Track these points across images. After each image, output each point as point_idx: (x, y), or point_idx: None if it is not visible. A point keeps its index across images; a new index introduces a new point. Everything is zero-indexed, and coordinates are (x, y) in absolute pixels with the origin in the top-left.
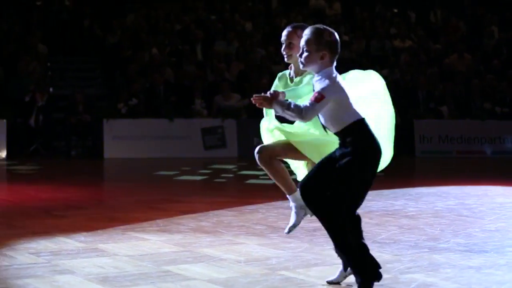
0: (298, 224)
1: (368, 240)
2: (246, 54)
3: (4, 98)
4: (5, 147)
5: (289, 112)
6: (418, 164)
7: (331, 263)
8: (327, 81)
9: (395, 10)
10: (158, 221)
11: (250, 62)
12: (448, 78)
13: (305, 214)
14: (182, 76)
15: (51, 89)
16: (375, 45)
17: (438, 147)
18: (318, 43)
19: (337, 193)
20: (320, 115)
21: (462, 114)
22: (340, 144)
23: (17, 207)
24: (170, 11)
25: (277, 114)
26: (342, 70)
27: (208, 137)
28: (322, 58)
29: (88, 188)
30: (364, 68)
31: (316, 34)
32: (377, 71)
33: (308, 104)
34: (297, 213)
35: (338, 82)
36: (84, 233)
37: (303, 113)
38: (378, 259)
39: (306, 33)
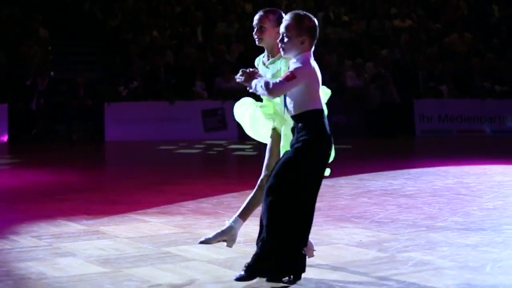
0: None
1: (366, 220)
2: (246, 36)
3: (6, 82)
4: (7, 131)
5: (260, 86)
6: (418, 144)
7: (328, 242)
8: (302, 64)
9: None
10: (158, 203)
11: (250, 43)
12: (448, 57)
13: (225, 241)
14: (183, 58)
15: (52, 73)
16: (375, 25)
17: (438, 126)
18: (299, 28)
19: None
20: (285, 95)
21: (462, 93)
22: (292, 129)
23: (19, 191)
24: None
25: (250, 90)
26: (343, 50)
27: (209, 119)
28: (302, 43)
29: (89, 172)
30: (364, 48)
31: (296, 19)
32: (377, 51)
33: (277, 81)
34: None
35: (313, 67)
36: (85, 216)
37: (271, 88)
38: (375, 238)
39: (287, 18)
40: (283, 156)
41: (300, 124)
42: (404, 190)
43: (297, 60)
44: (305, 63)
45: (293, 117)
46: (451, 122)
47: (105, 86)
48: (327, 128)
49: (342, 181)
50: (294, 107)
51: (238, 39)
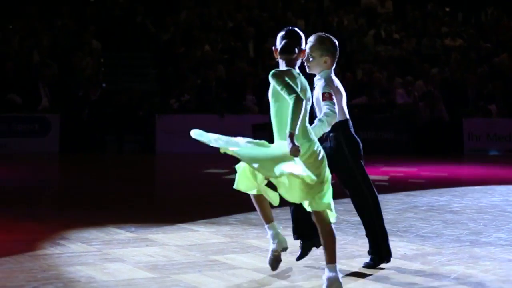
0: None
1: (411, 234)
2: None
3: (58, 93)
4: (58, 141)
5: (324, 125)
6: (466, 162)
7: None
8: (325, 81)
9: (447, 9)
10: (207, 214)
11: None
12: (497, 77)
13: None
14: (234, 72)
15: (103, 85)
16: (426, 43)
17: (486, 145)
18: (321, 49)
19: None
20: (316, 109)
21: (511, 113)
22: (326, 137)
23: (69, 198)
24: (223, 8)
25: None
26: (393, 68)
27: (259, 133)
28: (325, 62)
29: (139, 182)
30: (414, 66)
31: (319, 41)
32: (427, 69)
33: (329, 105)
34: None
35: (335, 82)
36: (135, 225)
37: (331, 113)
38: (419, 252)
39: (311, 40)
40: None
41: (332, 134)
42: (450, 207)
43: (320, 77)
44: (328, 80)
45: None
46: (499, 141)
47: (156, 99)
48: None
49: (390, 196)
50: None
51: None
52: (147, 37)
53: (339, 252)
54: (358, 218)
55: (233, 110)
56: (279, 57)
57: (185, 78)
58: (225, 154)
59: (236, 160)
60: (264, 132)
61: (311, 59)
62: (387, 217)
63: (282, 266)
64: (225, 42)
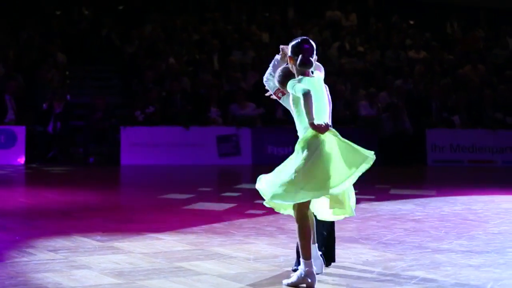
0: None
1: (373, 241)
2: (262, 64)
3: (24, 105)
4: (24, 154)
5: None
6: (429, 173)
7: (336, 261)
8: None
9: (411, 22)
10: (172, 223)
11: (266, 72)
12: (461, 88)
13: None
14: (199, 85)
15: (68, 97)
16: (390, 55)
17: (449, 156)
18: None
19: None
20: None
21: (474, 124)
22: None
23: (36, 208)
24: (187, 21)
25: None
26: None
27: (223, 145)
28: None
29: (104, 193)
30: (378, 78)
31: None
32: (391, 81)
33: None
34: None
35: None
36: (101, 233)
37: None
38: (381, 258)
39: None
40: None
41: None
42: (412, 215)
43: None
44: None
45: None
46: (463, 152)
47: (121, 111)
48: None
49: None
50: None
51: (253, 67)
52: (112, 50)
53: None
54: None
55: (198, 122)
56: (295, 67)
57: (150, 90)
58: (186, 165)
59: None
60: (228, 144)
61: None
62: (349, 225)
63: (246, 271)
64: (190, 55)
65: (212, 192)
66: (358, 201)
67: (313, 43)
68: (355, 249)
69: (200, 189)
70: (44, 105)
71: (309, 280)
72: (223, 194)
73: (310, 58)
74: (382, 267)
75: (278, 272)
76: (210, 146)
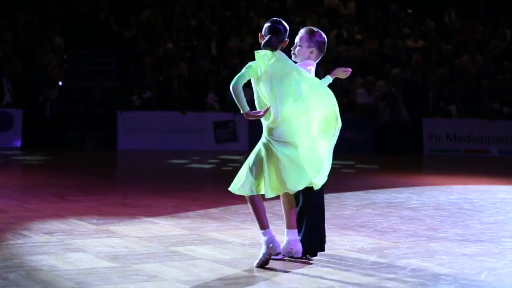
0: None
1: (368, 229)
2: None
3: (21, 88)
4: (20, 137)
5: None
6: (425, 162)
7: (331, 248)
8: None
9: (409, 11)
10: (167, 207)
11: None
12: (458, 78)
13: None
14: (196, 70)
15: (60, 83)
16: (388, 44)
17: (446, 145)
18: (309, 40)
19: None
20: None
21: (471, 114)
22: None
23: (32, 192)
24: (186, 6)
25: None
26: (354, 68)
27: (220, 131)
28: (311, 53)
29: (101, 176)
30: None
31: (309, 33)
32: (388, 69)
33: None
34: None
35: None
36: (96, 217)
37: None
38: (376, 245)
39: (301, 32)
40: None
41: None
42: (408, 204)
43: (299, 65)
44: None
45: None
46: (459, 141)
47: (118, 96)
48: None
49: (348, 193)
50: None
51: (251, 54)
52: (110, 34)
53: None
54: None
55: (195, 108)
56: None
57: (147, 75)
58: (183, 151)
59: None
60: (224, 129)
61: (297, 48)
62: (345, 212)
63: (241, 257)
64: (188, 40)
65: (208, 177)
66: (355, 189)
67: (286, 26)
68: (350, 236)
69: (196, 174)
70: (40, 97)
71: (272, 245)
72: (220, 179)
73: (273, 41)
74: (377, 254)
75: (272, 258)
76: (207, 132)
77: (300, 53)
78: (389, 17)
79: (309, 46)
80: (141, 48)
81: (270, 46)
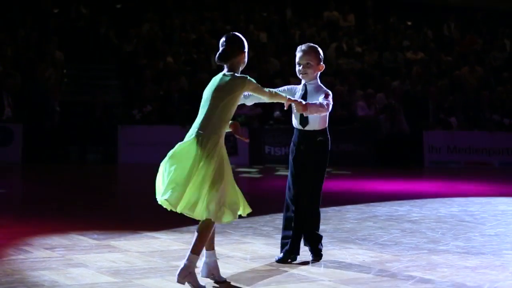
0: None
1: (370, 242)
2: (259, 64)
3: (21, 103)
4: (21, 151)
5: (319, 108)
6: (426, 174)
7: (332, 261)
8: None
9: (409, 23)
10: (168, 222)
11: (264, 72)
12: (458, 89)
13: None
14: (196, 84)
15: (57, 108)
16: (388, 56)
17: (446, 157)
18: (319, 58)
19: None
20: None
21: (471, 126)
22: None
23: (33, 206)
24: (185, 20)
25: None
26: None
27: None
28: (320, 69)
29: (102, 191)
30: (376, 79)
31: (317, 51)
32: (388, 82)
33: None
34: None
35: None
36: (97, 232)
37: (328, 108)
38: (377, 259)
39: (305, 49)
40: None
41: (320, 138)
42: (409, 216)
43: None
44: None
45: (316, 131)
46: (460, 153)
47: (119, 110)
48: None
49: (349, 206)
50: (319, 123)
51: (251, 67)
52: (110, 48)
53: (298, 259)
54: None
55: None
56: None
57: (148, 89)
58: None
59: None
60: (225, 143)
61: (309, 66)
62: (346, 226)
63: (242, 271)
64: (188, 54)
65: None
66: (356, 202)
67: (226, 37)
68: (351, 249)
69: None
70: (47, 108)
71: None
72: None
73: (218, 53)
74: (378, 268)
75: (275, 272)
76: None
77: (311, 72)
78: (389, 29)
79: (318, 63)
80: (141, 62)
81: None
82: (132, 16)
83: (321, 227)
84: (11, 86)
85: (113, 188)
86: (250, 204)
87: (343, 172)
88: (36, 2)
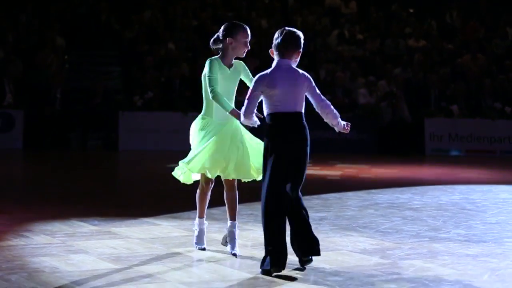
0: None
1: (371, 229)
2: (261, 51)
3: (22, 89)
4: (22, 138)
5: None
6: (427, 162)
7: (333, 249)
8: None
9: (411, 10)
10: (169, 209)
11: (265, 58)
12: (459, 77)
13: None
14: (198, 70)
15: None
16: (390, 44)
17: (448, 145)
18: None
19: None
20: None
21: (473, 113)
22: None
23: (33, 193)
24: (187, 7)
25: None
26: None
27: None
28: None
29: (102, 177)
30: (377, 66)
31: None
32: (390, 69)
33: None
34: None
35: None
36: (98, 218)
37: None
38: (379, 246)
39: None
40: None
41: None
42: (410, 204)
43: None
44: None
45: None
46: (461, 141)
47: (120, 96)
48: None
49: (350, 194)
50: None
51: (253, 54)
52: (111, 35)
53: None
54: (320, 214)
55: (197, 108)
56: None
57: (149, 75)
58: (185, 151)
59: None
60: None
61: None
62: (347, 213)
63: (243, 258)
64: (189, 41)
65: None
66: (357, 189)
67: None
68: (352, 237)
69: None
70: (51, 92)
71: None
72: (220, 180)
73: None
74: (379, 255)
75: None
76: None
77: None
78: (391, 16)
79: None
80: (142, 49)
81: None
82: (133, 2)
83: (322, 214)
84: (12, 72)
85: (114, 174)
86: (251, 191)
87: (344, 159)
88: None
